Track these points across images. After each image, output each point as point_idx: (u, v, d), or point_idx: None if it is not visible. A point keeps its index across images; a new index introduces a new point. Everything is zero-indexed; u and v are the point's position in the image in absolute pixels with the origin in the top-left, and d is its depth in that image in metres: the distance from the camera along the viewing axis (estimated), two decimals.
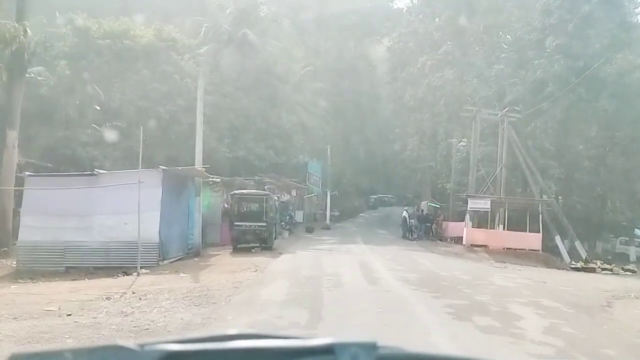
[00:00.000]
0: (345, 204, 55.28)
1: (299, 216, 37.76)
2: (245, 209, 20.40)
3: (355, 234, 31.85)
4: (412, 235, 31.31)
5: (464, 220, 34.45)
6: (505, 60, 35.23)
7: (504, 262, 22.13)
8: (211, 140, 27.79)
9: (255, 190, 22.33)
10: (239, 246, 19.72)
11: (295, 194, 33.90)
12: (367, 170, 71.39)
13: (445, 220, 34.72)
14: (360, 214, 57.76)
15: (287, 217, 29.43)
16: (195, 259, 17.85)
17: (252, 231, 19.46)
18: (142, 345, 0.93)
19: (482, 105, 32.67)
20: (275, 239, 21.26)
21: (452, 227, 33.13)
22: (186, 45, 30.11)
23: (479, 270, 18.04)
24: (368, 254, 20.53)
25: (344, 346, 0.86)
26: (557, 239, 27.73)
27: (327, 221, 36.93)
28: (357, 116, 62.03)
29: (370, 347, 0.87)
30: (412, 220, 31.83)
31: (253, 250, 19.44)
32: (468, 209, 27.31)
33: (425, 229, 31.34)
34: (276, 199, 21.61)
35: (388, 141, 76.60)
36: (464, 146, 34.75)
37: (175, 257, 17.17)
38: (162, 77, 27.15)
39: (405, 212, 31.87)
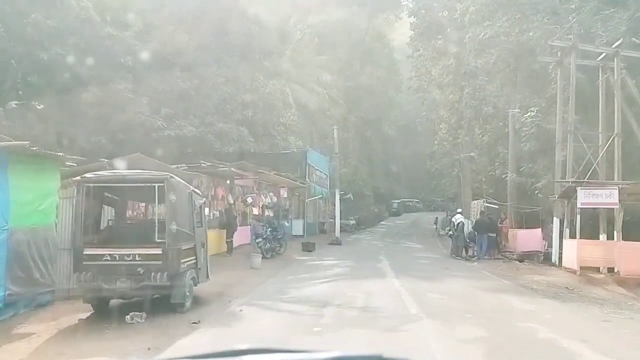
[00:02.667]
0: (362, 210, 43.28)
1: (297, 227, 25.88)
2: (114, 217, 8.71)
3: (378, 253, 19.83)
4: (467, 253, 19.20)
5: (537, 227, 22.38)
6: None
7: None
8: (136, 107, 16.32)
9: (133, 172, 9.35)
10: (97, 304, 7.90)
11: (286, 195, 22.10)
12: (387, 170, 59.32)
13: (510, 227, 22.58)
14: (382, 222, 45.54)
15: (268, 230, 17.64)
16: None
17: (127, 269, 7.49)
18: None
19: (561, 50, 20.56)
20: (196, 281, 8.79)
21: (523, 238, 20.85)
22: None
23: None
24: (417, 317, 8.22)
25: (351, 359, 0.72)
26: None
27: (337, 233, 24.92)
28: (372, 107, 50.21)
29: None
30: (467, 230, 19.65)
31: (131, 321, 7.43)
32: (579, 205, 14.99)
33: (490, 242, 19.15)
34: (197, 193, 9.06)
35: (411, 137, 64.63)
36: (532, 117, 22.48)
37: None
38: None
39: (459, 216, 19.54)
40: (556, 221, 18.57)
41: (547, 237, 21.72)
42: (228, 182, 16.89)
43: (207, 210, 12.01)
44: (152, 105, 17.11)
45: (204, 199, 9.21)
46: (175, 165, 12.48)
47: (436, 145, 40.31)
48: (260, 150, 24.89)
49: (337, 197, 25.35)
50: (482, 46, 29.06)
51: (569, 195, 16.18)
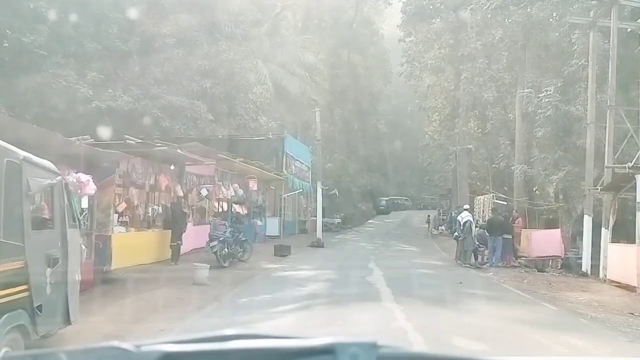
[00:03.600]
0: (348, 208, 39.28)
1: (272, 226, 21.75)
2: None
3: (367, 259, 15.77)
4: (476, 259, 15.22)
5: (555, 227, 18.71)
6: None
7: None
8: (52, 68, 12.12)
9: None
10: None
11: (256, 187, 17.92)
12: (375, 166, 55.36)
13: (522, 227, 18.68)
14: (369, 221, 41.58)
15: (228, 230, 13.50)
16: None
17: None
18: (138, 346, 0.88)
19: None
20: (32, 330, 4.54)
21: (539, 241, 16.97)
22: None
23: None
24: None
25: (345, 346, 0.81)
26: None
27: (319, 233, 20.81)
28: (360, 98, 46.32)
29: (371, 347, 0.82)
30: (477, 230, 15.61)
31: None
32: None
33: (506, 246, 15.16)
34: (38, 165, 5.01)
35: (400, 132, 60.74)
36: (549, 97, 18.61)
37: None
38: None
39: (466, 215, 15.33)
40: (588, 220, 14.70)
41: (566, 239, 17.95)
42: (172, 167, 12.68)
43: (84, 200, 7.85)
44: (77, 70, 12.87)
45: (60, 176, 4.96)
46: (75, 138, 8.27)
47: (428, 137, 36.42)
48: (230, 136, 20.76)
49: (319, 191, 21.26)
50: (485, 23, 25.27)
51: (618, 186, 12.29)
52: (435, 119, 33.11)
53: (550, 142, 19.77)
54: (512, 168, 23.42)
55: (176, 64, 14.79)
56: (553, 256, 16.95)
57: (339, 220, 34.38)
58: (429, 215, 35.85)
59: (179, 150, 12.53)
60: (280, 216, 22.56)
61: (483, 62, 27.30)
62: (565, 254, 17.02)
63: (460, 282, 11.17)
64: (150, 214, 12.87)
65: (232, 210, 18.66)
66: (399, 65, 35.47)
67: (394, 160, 59.67)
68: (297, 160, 24.13)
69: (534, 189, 25.42)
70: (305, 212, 27.82)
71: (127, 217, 11.71)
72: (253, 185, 17.43)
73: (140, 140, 10.80)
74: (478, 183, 32.85)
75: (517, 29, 22.52)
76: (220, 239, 13.05)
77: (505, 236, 15.25)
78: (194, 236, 14.29)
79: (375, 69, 47.72)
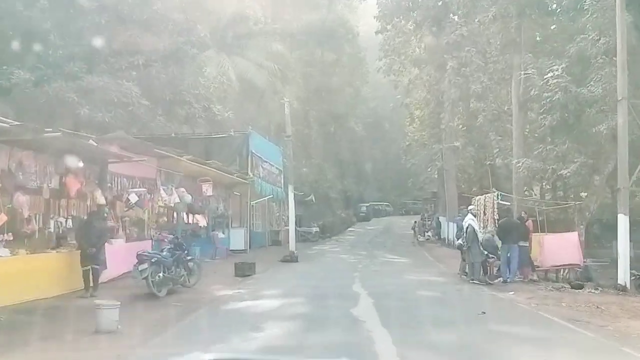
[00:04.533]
0: (326, 215, 35.87)
1: (237, 239, 18.18)
2: None
3: (350, 278, 12.29)
4: (485, 273, 11.94)
5: (562, 231, 15.75)
6: None
7: None
8: None
9: None
10: None
11: (211, 192, 14.29)
12: (354, 172, 52.12)
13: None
14: (350, 229, 38.21)
15: (166, 248, 10.02)
16: None
17: None
18: None
19: None
20: None
21: (553, 246, 13.76)
22: None
23: None
24: None
25: None
26: None
27: (291, 246, 17.28)
28: (336, 100, 43.27)
29: None
30: (484, 236, 12.33)
31: None
32: None
33: (523, 256, 11.89)
34: None
35: (379, 135, 57.76)
36: (558, 77, 15.56)
37: None
38: None
39: (470, 219, 11.91)
40: (624, 220, 11.59)
41: (582, 244, 14.89)
42: (80, 164, 9.07)
43: None
44: None
45: None
46: None
47: (410, 136, 33.32)
48: (184, 134, 17.32)
49: (291, 197, 17.76)
50: (473, 2, 22.37)
51: None
52: (418, 116, 30.02)
53: (556, 132, 16.80)
54: (510, 164, 20.48)
55: (99, 32, 11.20)
56: (570, 265, 13.86)
57: (317, 229, 30.94)
58: (415, 222, 32.67)
59: (91, 142, 8.98)
60: (246, 227, 19.01)
61: (470, 50, 24.34)
62: (584, 262, 13.97)
63: (483, 313, 7.83)
64: (53, 229, 9.23)
65: (186, 220, 15.13)
66: (377, 60, 32.35)
67: (373, 164, 56.64)
68: (267, 161, 20.65)
69: (524, 189, 22.58)
70: (278, 221, 24.33)
71: (9, 234, 8.08)
72: (207, 189, 13.90)
73: (16, 123, 7.21)
74: (463, 185, 29.93)
75: (512, 6, 19.56)
76: (153, 260, 9.47)
77: (522, 244, 12.02)
78: (127, 256, 10.66)
79: (351, 68, 44.71)
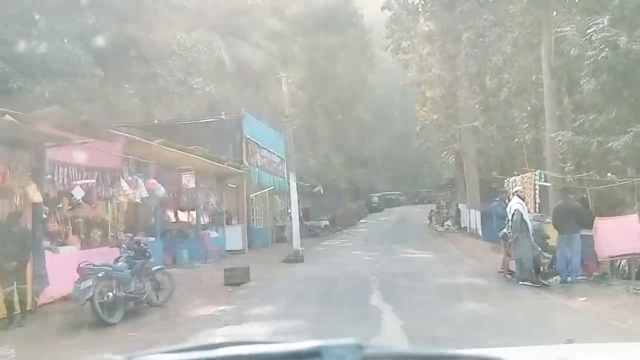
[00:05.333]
0: (336, 207, 33.25)
1: (233, 238, 15.63)
2: None
3: (366, 283, 9.65)
4: (538, 272, 9.28)
5: (629, 213, 12.88)
6: None
7: None
8: None
9: None
10: None
11: (194, 184, 11.66)
12: (364, 161, 49.34)
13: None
14: (361, 220, 35.58)
15: (124, 256, 7.54)
16: None
17: None
18: (129, 357, 0.91)
19: None
20: None
21: (610, 233, 10.99)
22: None
23: None
24: None
25: (330, 348, 0.83)
26: None
27: (296, 244, 14.65)
28: (343, 86, 40.68)
29: (356, 348, 0.84)
30: (534, 223, 9.63)
31: None
32: None
33: (586, 247, 9.21)
34: None
35: (388, 123, 54.87)
36: (605, 30, 12.71)
37: None
38: None
39: (516, 202, 9.22)
40: None
41: None
42: None
43: None
44: None
45: None
46: None
47: (422, 120, 30.49)
48: (168, 121, 14.84)
49: (293, 186, 15.08)
50: None
51: None
52: (430, 98, 27.20)
53: (605, 97, 13.99)
54: (541, 141, 17.71)
55: None
56: (632, 255, 11.11)
57: (327, 223, 28.39)
58: (431, 210, 29.95)
59: (7, 117, 6.44)
60: (243, 223, 16.45)
61: (488, 17, 21.53)
62: None
63: (570, 340, 5.14)
64: None
65: (172, 219, 12.66)
66: (385, 38, 29.50)
67: (383, 153, 53.86)
68: (264, 148, 18.04)
69: (565, 166, 19.48)
70: (283, 216, 21.76)
71: None
72: (189, 180, 11.32)
73: None
74: (482, 170, 27.12)
75: None
76: (100, 274, 6.92)
77: (585, 232, 9.28)
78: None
79: (356, 51, 41.95)
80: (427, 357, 0.96)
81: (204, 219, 14.89)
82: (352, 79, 41.52)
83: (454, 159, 28.75)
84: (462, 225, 26.29)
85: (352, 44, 42.00)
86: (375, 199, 44.23)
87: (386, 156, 53.68)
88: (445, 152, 29.03)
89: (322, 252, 17.09)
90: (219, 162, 13.77)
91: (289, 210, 22.56)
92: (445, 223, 27.69)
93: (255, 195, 17.70)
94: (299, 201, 20.58)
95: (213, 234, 14.69)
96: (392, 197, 47.04)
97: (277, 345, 0.89)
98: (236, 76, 21.05)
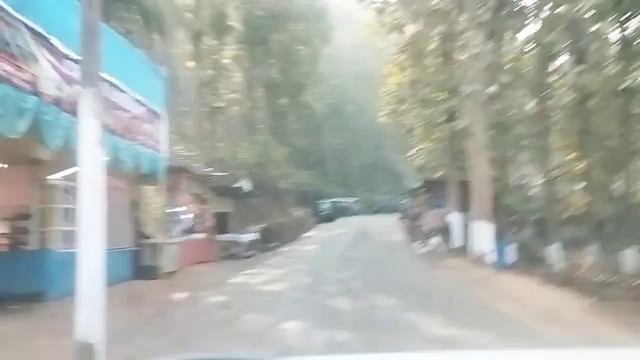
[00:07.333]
0: (273, 214, 23.15)
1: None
2: None
3: None
4: None
5: None
6: None
7: None
8: None
9: None
10: None
11: None
12: (312, 161, 39.60)
13: None
14: (307, 234, 25.66)
15: None
16: None
17: None
18: None
19: None
20: None
21: None
22: None
23: None
24: None
25: None
26: None
27: (93, 322, 4.55)
28: (289, 63, 31.34)
29: None
30: None
31: None
32: None
33: None
34: None
35: (342, 120, 45.67)
36: None
37: None
38: None
39: None
40: None
41: None
42: None
43: None
44: None
45: None
46: None
47: (396, 93, 21.13)
48: None
49: (93, 135, 4.85)
50: None
51: None
52: (418, 50, 17.89)
53: None
54: None
55: None
56: None
57: (255, 237, 18.27)
58: (406, 222, 20.46)
59: None
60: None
61: None
62: None
63: None
64: None
65: None
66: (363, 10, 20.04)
67: (336, 153, 44.51)
68: (117, 86, 7.70)
69: None
70: (159, 224, 11.33)
71: None
72: None
73: None
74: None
75: None
76: None
77: None
78: None
79: (310, 23, 32.62)
80: None
81: None
82: (302, 54, 32.02)
83: (439, 149, 19.62)
84: (458, 245, 17.17)
85: (305, 11, 32.69)
86: (327, 206, 34.53)
87: (339, 157, 44.34)
88: (428, 142, 19.84)
89: (230, 298, 6.89)
90: None
91: (176, 211, 12.26)
92: (430, 242, 18.24)
93: (65, 177, 7.32)
94: (206, 200, 9.93)
95: None
96: (346, 204, 37.45)
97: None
98: None
